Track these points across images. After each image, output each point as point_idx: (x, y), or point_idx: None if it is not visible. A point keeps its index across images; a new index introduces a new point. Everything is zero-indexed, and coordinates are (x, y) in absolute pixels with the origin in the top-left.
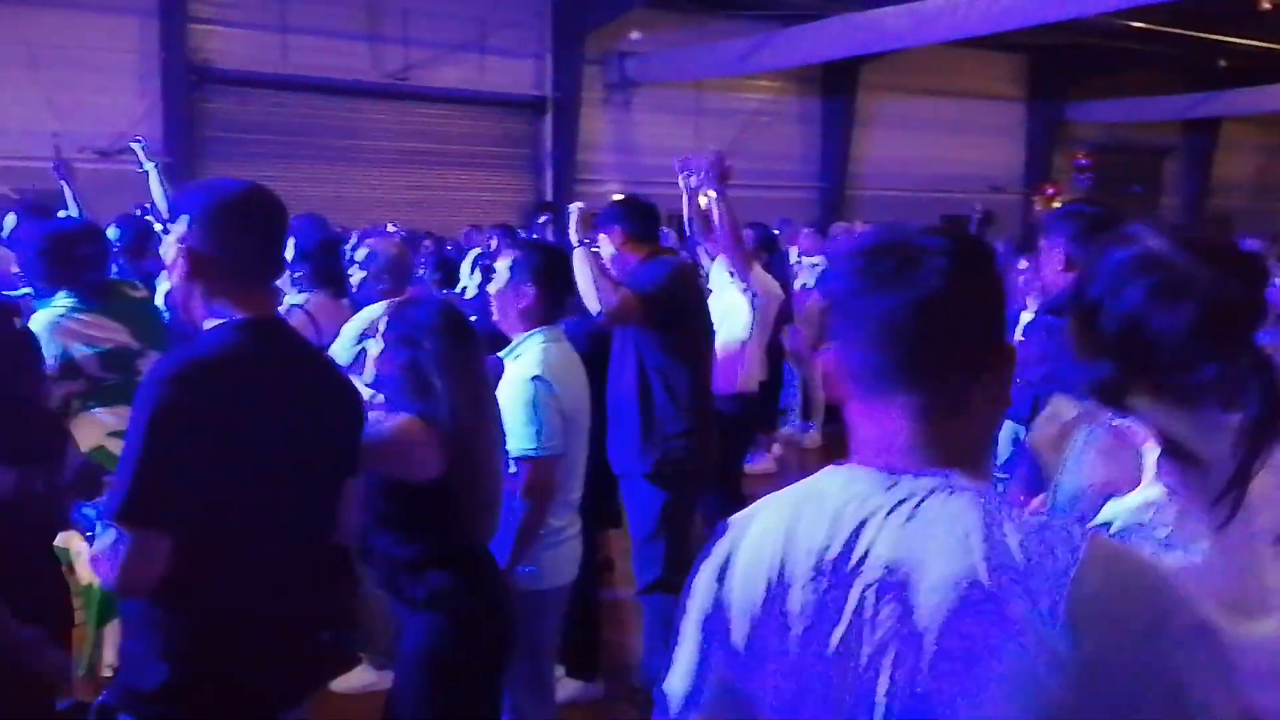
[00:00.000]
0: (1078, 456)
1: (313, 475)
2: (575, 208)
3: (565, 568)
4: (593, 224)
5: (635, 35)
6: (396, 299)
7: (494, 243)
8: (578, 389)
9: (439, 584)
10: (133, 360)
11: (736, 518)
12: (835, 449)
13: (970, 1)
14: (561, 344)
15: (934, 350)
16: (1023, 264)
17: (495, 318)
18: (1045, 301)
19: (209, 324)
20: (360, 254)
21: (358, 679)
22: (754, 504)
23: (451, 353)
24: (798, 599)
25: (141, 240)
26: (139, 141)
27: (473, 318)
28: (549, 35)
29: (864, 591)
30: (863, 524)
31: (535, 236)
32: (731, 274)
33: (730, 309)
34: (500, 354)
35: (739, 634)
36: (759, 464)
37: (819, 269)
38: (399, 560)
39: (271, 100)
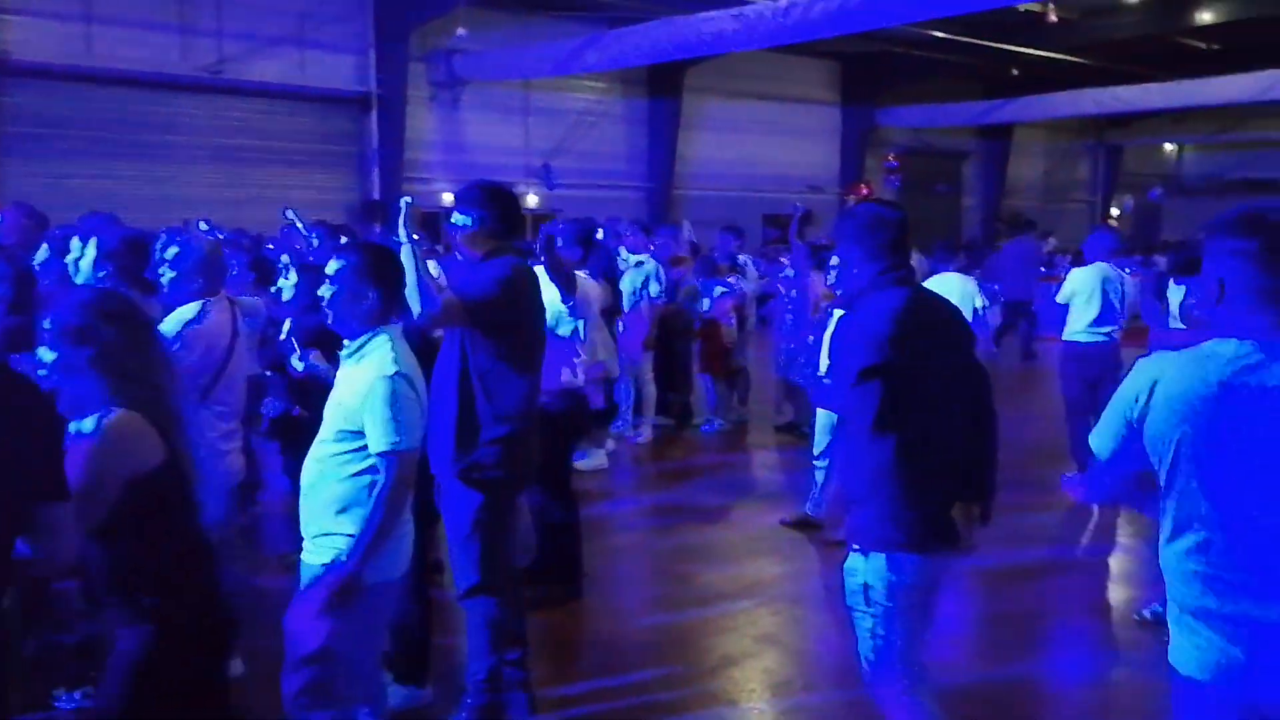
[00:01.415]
0: None
1: None
2: (406, 202)
3: (403, 558)
4: (421, 219)
5: (461, 32)
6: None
7: (316, 241)
8: (422, 385)
9: (155, 591)
10: None
11: (1151, 360)
12: (666, 445)
13: (786, 9)
14: (403, 341)
15: None
16: (834, 260)
17: (330, 321)
18: (842, 298)
19: None
20: (170, 253)
21: None
22: (1158, 355)
23: (140, 335)
24: (1207, 408)
25: None
26: None
27: (287, 321)
28: (372, 31)
29: (1260, 402)
30: (1253, 366)
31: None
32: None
33: (552, 305)
34: (342, 354)
35: (1162, 424)
36: (592, 461)
37: (645, 268)
38: (112, 571)
39: (75, 94)
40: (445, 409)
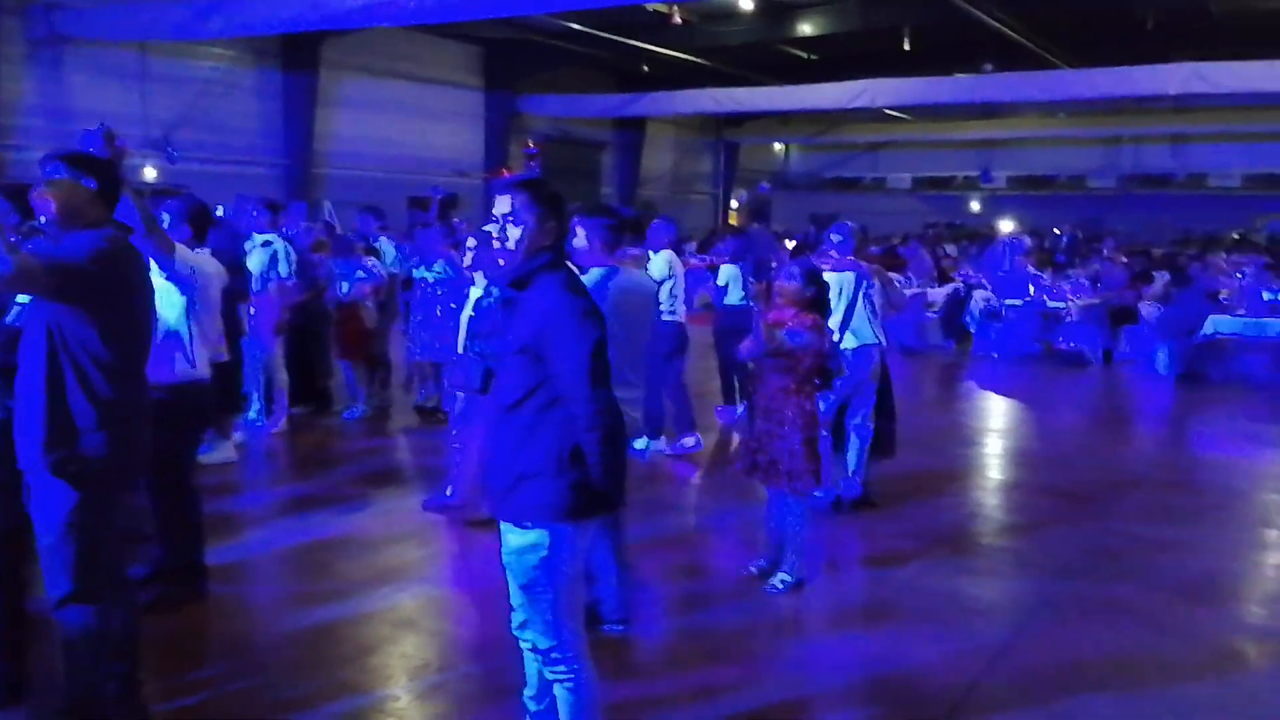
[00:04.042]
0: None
1: None
2: None
3: None
4: (11, 190)
5: None
6: None
7: None
8: None
9: None
10: None
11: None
12: (303, 433)
13: None
14: None
15: None
16: (471, 242)
17: None
18: (507, 276)
19: None
20: None
21: None
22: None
23: None
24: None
25: None
26: None
27: None
28: None
29: (627, 298)
30: (612, 275)
31: None
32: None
33: (163, 293)
34: None
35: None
36: (218, 453)
37: (271, 247)
38: None
39: None
40: (33, 396)
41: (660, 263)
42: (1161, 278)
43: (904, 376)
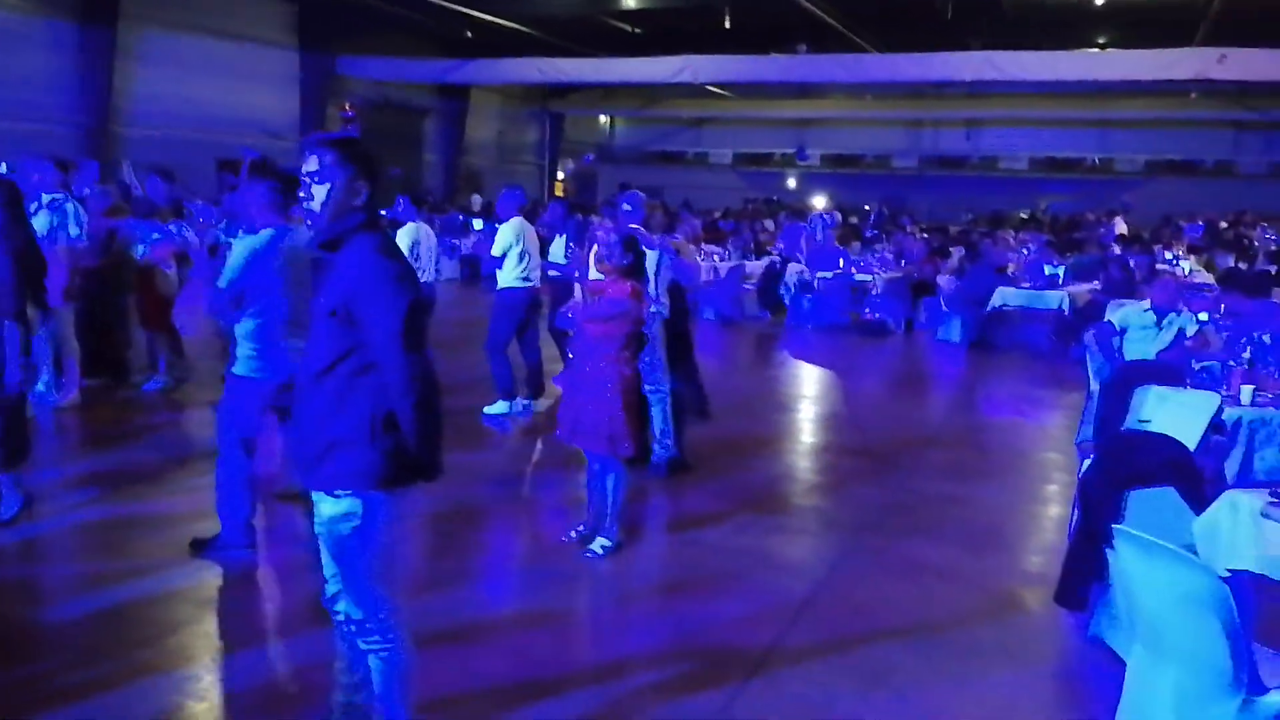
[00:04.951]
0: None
1: None
2: None
3: None
4: None
5: None
6: None
7: None
8: None
9: None
10: None
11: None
12: (97, 406)
13: None
14: None
15: None
16: None
17: None
18: (316, 237)
19: None
20: None
21: None
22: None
23: None
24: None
25: None
26: None
27: None
28: None
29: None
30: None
31: None
32: None
33: None
34: None
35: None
36: None
37: (59, 206)
38: None
39: None
40: None
41: (508, 231)
42: (957, 253)
43: (722, 346)
